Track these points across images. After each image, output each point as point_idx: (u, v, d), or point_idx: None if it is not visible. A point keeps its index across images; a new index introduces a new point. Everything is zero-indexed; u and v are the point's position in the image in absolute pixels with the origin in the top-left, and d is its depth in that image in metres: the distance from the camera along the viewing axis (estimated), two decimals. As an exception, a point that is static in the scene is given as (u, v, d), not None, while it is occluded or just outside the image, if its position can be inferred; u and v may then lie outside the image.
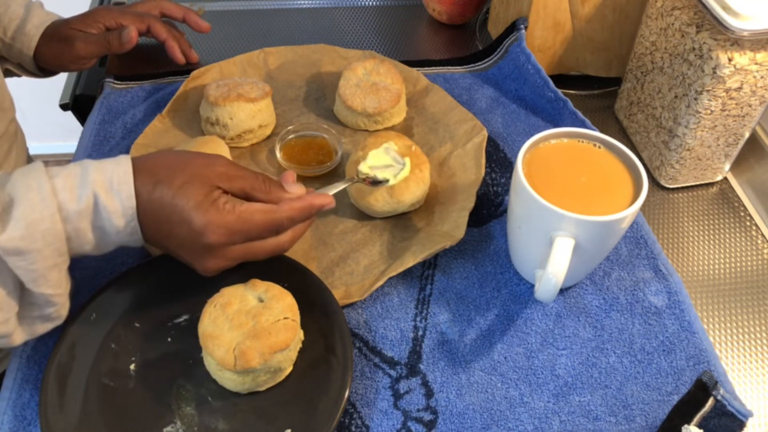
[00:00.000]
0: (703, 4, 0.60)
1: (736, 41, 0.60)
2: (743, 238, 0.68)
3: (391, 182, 0.63)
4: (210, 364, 0.52)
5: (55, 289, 0.47)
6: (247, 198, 0.52)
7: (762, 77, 0.61)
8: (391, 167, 0.64)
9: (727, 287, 0.64)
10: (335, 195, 0.56)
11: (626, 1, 0.77)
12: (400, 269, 0.59)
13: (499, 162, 0.72)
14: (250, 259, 0.53)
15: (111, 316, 0.55)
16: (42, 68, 0.76)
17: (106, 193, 0.47)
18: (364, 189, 0.64)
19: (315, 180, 0.69)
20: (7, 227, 0.43)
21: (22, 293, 0.47)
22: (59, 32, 0.73)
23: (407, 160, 0.64)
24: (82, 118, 0.84)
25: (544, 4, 0.77)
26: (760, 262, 0.66)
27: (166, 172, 0.49)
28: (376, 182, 0.63)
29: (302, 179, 0.69)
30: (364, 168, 0.63)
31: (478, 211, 0.66)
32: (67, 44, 0.73)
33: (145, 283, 0.57)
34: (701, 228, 0.69)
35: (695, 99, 0.64)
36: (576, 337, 0.58)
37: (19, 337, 0.48)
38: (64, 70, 0.79)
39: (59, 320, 0.50)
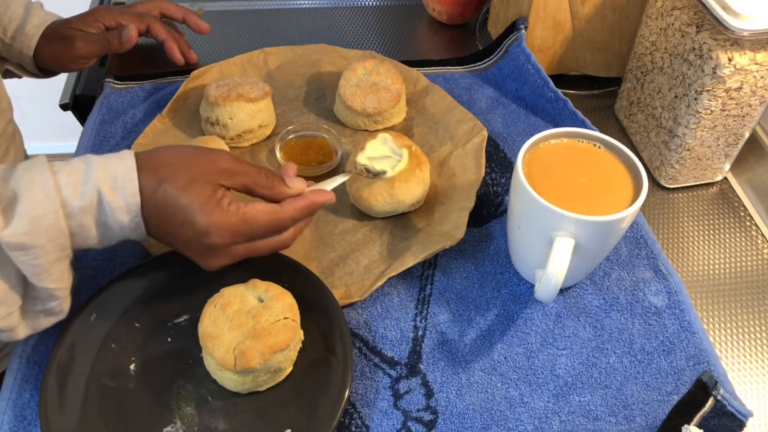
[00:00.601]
0: (703, 4, 0.60)
1: (736, 41, 0.60)
2: (743, 238, 0.68)
3: (389, 174, 0.62)
4: (210, 364, 0.52)
5: (58, 283, 0.47)
6: (249, 193, 0.52)
7: (762, 77, 0.61)
8: (389, 158, 0.63)
9: (727, 287, 0.64)
10: (335, 189, 0.57)
11: (626, 1, 0.77)
12: (400, 269, 0.59)
13: (499, 162, 0.72)
14: (252, 257, 0.53)
15: (111, 316, 0.55)
16: (42, 68, 0.76)
17: (110, 190, 0.47)
18: (364, 187, 0.64)
19: (315, 180, 0.69)
20: (11, 222, 0.44)
21: (25, 288, 0.47)
22: (59, 32, 0.73)
23: (405, 151, 0.64)
24: (82, 118, 0.84)
25: (544, 4, 0.77)
26: (760, 262, 0.66)
27: (170, 169, 0.49)
28: (374, 173, 0.62)
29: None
30: (362, 159, 0.63)
31: (478, 211, 0.66)
32: (67, 44, 0.73)
33: (145, 283, 0.57)
34: (701, 228, 0.69)
35: (695, 99, 0.63)
36: (576, 337, 0.58)
37: (23, 331, 0.49)
38: (64, 70, 0.79)
39: (62, 315, 0.51)
